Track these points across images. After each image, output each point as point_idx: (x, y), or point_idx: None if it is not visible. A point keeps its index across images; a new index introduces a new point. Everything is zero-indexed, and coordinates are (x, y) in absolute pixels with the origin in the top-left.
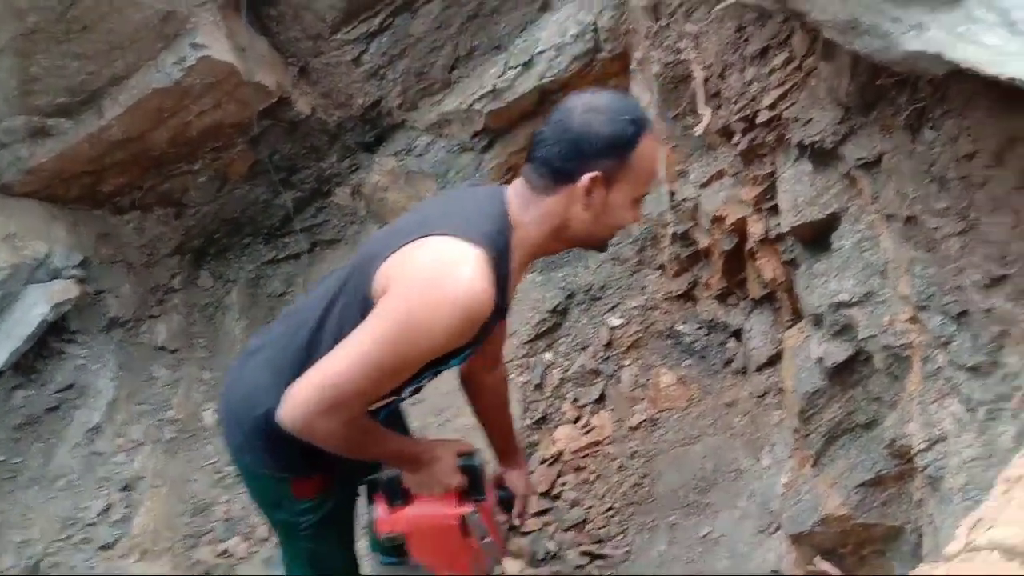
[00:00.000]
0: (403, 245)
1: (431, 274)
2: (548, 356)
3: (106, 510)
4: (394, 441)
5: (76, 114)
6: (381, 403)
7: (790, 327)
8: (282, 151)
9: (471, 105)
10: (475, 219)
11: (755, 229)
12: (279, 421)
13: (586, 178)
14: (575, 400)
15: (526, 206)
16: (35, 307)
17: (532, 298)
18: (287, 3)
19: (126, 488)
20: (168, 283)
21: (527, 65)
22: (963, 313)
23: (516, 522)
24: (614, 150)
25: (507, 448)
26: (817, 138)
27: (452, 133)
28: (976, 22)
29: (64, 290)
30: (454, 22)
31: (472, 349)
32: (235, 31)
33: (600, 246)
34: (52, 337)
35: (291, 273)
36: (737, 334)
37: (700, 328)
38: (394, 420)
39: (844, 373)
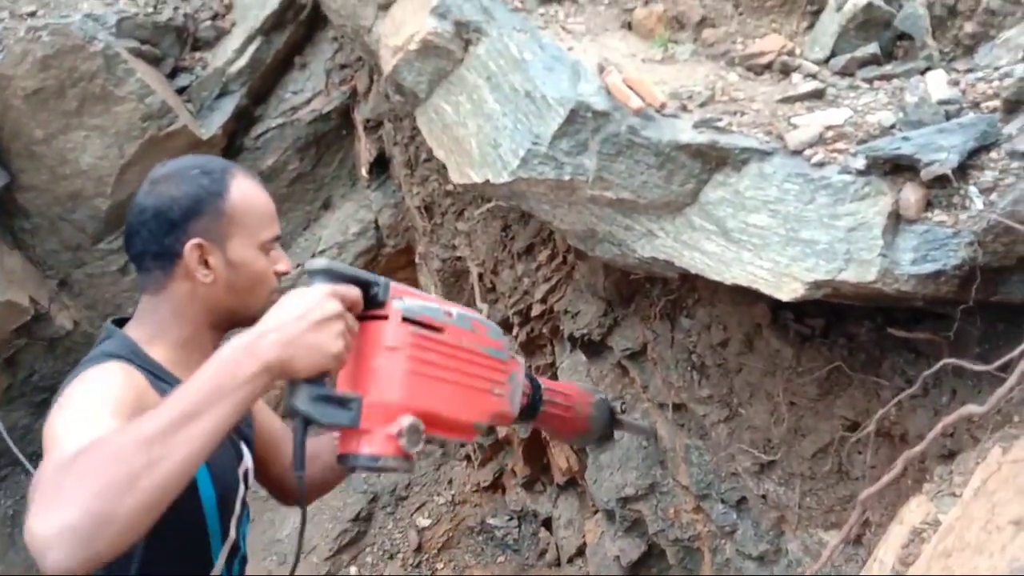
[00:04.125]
0: None
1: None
2: (353, 571)
3: None
4: (172, 400)
5: None
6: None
7: (595, 512)
8: (43, 370)
9: None
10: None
11: None
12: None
13: (188, 247)
14: None
15: (150, 316)
16: None
17: (331, 506)
18: (42, 215)
19: None
20: None
21: None
22: (742, 500)
23: None
24: (202, 205)
25: None
26: (585, 330)
27: None
28: (697, 230)
29: None
30: None
31: None
32: None
33: (258, 317)
34: None
35: None
36: (548, 523)
37: (511, 519)
38: None
39: (641, 569)
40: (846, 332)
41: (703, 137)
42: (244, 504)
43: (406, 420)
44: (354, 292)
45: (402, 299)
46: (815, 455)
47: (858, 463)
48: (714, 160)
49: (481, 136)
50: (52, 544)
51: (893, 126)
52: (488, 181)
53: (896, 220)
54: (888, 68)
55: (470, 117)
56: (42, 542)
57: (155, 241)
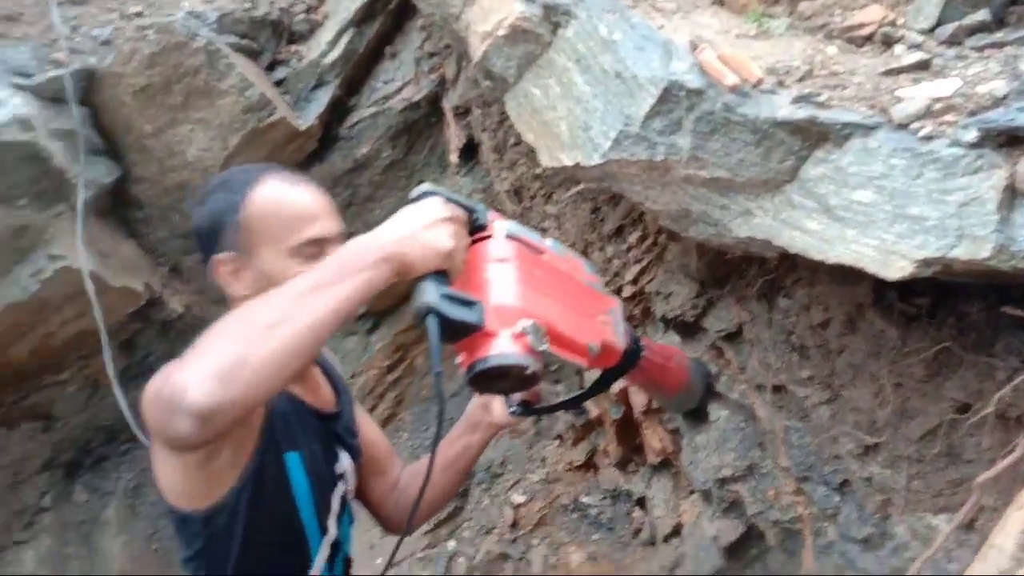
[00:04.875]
0: None
1: None
2: (451, 545)
3: None
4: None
5: None
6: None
7: (691, 493)
8: (156, 352)
9: None
10: None
11: (637, 400)
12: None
13: (214, 264)
14: None
15: None
16: None
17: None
18: (153, 205)
19: None
20: (37, 503)
21: None
22: (845, 483)
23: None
24: (221, 222)
25: (466, 426)
26: (678, 312)
27: None
28: (797, 208)
29: None
30: None
31: None
32: (97, 237)
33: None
34: None
35: None
36: (642, 502)
37: (604, 498)
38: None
39: (740, 551)
40: (955, 311)
41: (802, 113)
42: (344, 503)
43: (527, 321)
44: (460, 210)
45: (503, 220)
46: (923, 437)
47: (969, 446)
48: (814, 136)
49: (571, 119)
50: (190, 385)
51: (1006, 96)
52: (579, 164)
53: (1012, 195)
54: (999, 36)
55: (560, 100)
56: (180, 385)
57: (203, 255)
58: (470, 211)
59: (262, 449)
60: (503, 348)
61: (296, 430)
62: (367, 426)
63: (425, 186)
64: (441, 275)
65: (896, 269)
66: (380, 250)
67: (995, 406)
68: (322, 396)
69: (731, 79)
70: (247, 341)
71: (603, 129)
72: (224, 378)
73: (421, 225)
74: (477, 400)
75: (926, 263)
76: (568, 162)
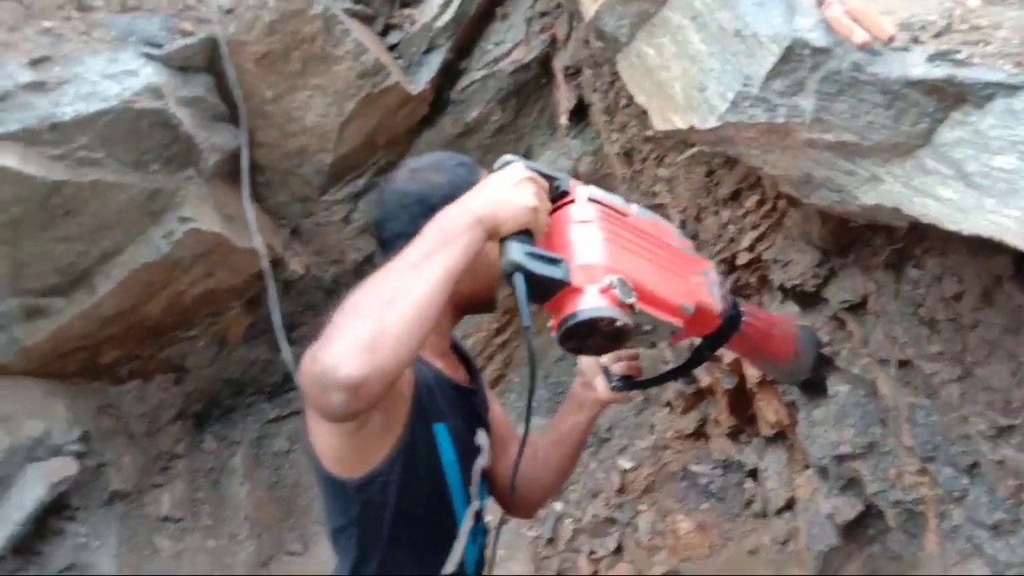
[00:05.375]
0: None
1: None
2: (559, 506)
3: None
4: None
5: (69, 293)
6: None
7: (806, 467)
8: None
9: None
10: None
11: (752, 371)
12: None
13: None
14: (591, 553)
15: None
16: (32, 489)
17: None
18: (274, 170)
19: None
20: (171, 450)
21: None
22: (974, 465)
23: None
24: (460, 193)
25: (572, 406)
26: (798, 280)
27: None
28: (930, 174)
29: (63, 467)
30: None
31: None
32: (224, 201)
33: (490, 306)
34: (52, 516)
35: (295, 430)
36: (754, 473)
37: (715, 468)
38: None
39: (857, 530)
40: None
41: (939, 71)
42: (484, 475)
43: (613, 275)
44: (541, 178)
45: (585, 185)
46: None
47: None
48: (951, 97)
49: (686, 79)
50: (340, 361)
51: None
52: (693, 127)
53: None
54: None
55: (674, 60)
56: (330, 362)
57: (414, 224)
58: (551, 179)
59: (413, 419)
60: (590, 302)
61: (441, 402)
62: (494, 404)
63: (507, 157)
64: (526, 235)
65: None
66: (472, 213)
67: None
68: (460, 373)
69: (860, 36)
70: (380, 313)
71: (720, 90)
72: (369, 349)
73: (507, 186)
74: (579, 379)
75: None
76: (681, 125)
